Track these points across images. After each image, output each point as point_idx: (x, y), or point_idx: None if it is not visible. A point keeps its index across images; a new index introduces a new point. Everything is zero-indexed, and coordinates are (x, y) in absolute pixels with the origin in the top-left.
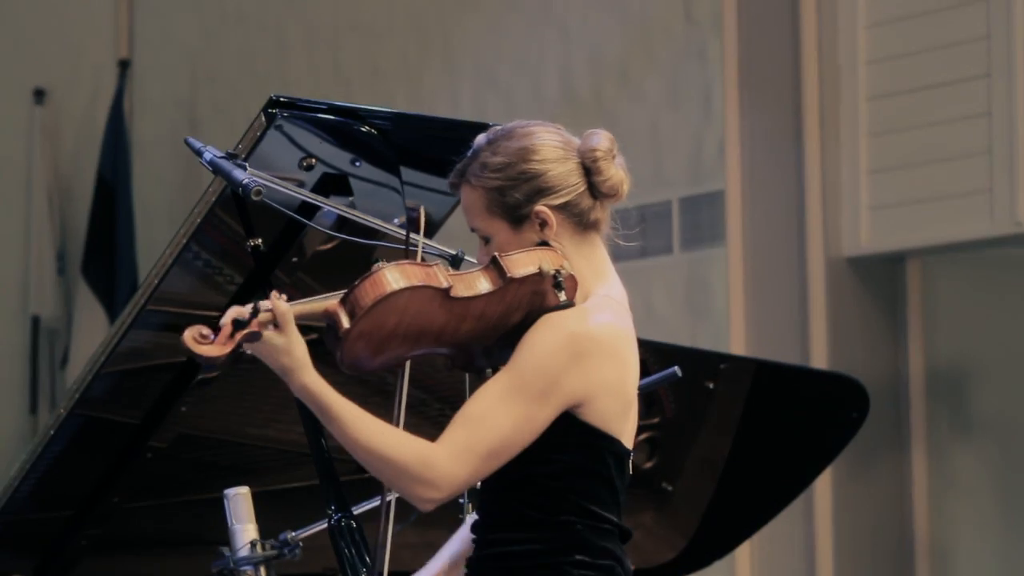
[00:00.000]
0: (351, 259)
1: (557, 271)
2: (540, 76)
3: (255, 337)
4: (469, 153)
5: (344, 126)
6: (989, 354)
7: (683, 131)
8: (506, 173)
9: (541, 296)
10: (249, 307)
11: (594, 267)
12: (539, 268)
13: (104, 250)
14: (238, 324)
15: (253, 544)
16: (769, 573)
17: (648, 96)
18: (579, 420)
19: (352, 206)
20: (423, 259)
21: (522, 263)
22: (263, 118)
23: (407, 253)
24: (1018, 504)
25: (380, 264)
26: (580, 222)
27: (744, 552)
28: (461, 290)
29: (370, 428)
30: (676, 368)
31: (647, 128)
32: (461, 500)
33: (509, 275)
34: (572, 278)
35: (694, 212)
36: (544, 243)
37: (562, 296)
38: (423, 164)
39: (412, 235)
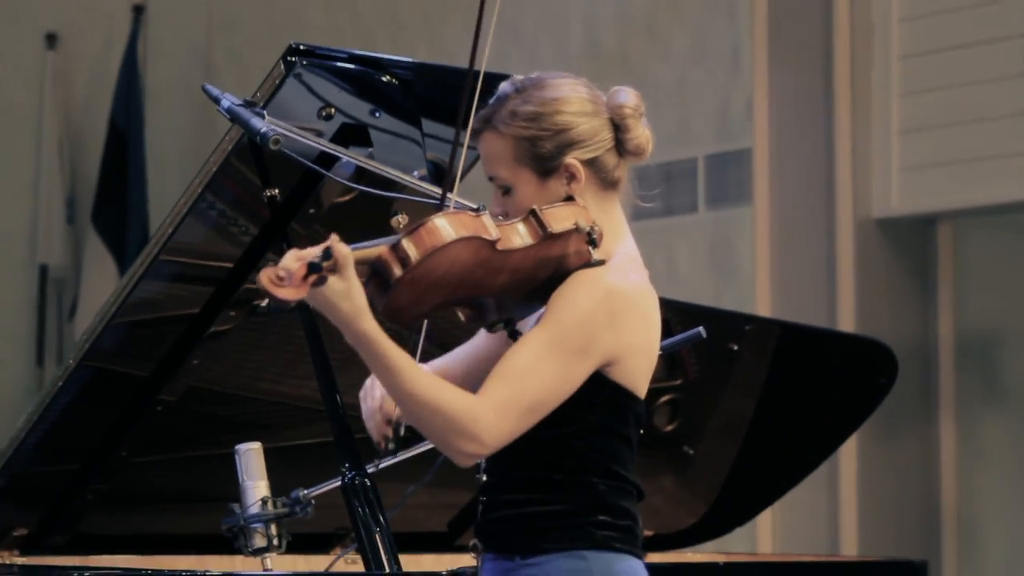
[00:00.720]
0: (369, 212)
1: (591, 228)
2: (564, 29)
3: (324, 281)
4: (493, 100)
5: (364, 76)
6: (1020, 319)
7: (710, 87)
8: (539, 123)
9: (576, 253)
10: (319, 250)
11: (614, 226)
12: (576, 224)
13: (115, 198)
14: (312, 267)
15: (264, 501)
16: (791, 541)
17: (675, 51)
18: (608, 379)
19: (371, 157)
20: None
21: (560, 217)
22: (282, 66)
23: (442, 205)
24: None
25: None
26: (604, 179)
27: (766, 519)
28: (503, 242)
29: (424, 379)
30: (700, 329)
31: (673, 84)
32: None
33: (549, 229)
34: (602, 236)
35: (720, 170)
36: (570, 198)
37: (596, 254)
38: (445, 116)
39: (436, 188)
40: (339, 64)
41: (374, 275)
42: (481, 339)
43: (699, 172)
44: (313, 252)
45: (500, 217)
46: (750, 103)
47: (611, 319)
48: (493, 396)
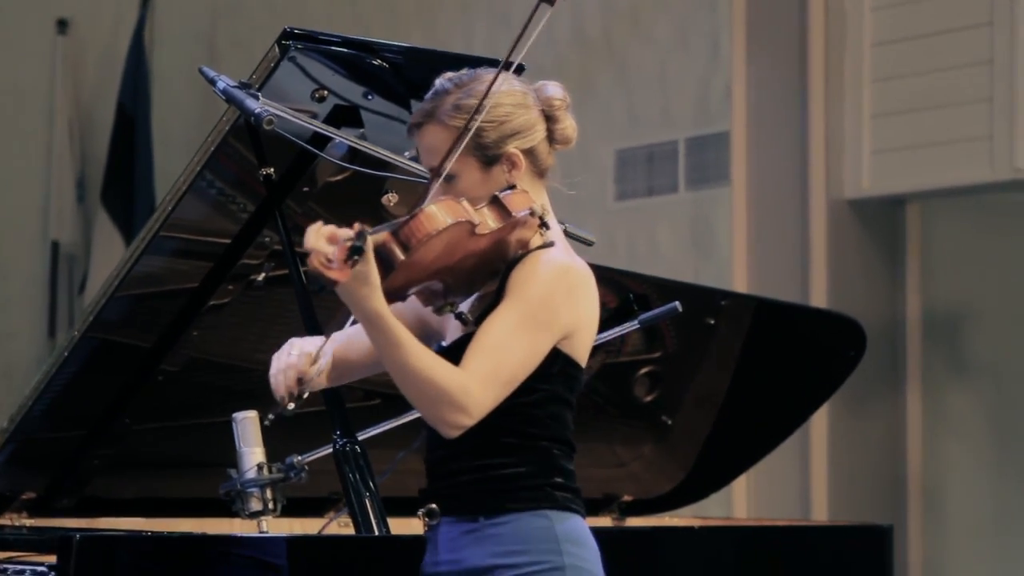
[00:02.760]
0: (362, 190)
1: (542, 212)
2: (552, 17)
3: (359, 263)
4: (431, 95)
5: (357, 59)
6: (985, 297)
7: (691, 73)
8: (493, 114)
9: (529, 236)
10: (354, 233)
11: (546, 209)
12: (531, 209)
13: (123, 178)
14: (355, 250)
15: (260, 467)
16: (765, 507)
17: (657, 39)
18: (562, 352)
19: (363, 138)
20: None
21: (518, 203)
22: (277, 49)
23: (427, 187)
24: (1010, 444)
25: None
26: (539, 167)
27: (741, 485)
28: (482, 227)
29: (424, 355)
30: (677, 303)
31: (656, 70)
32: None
33: (513, 214)
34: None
35: (700, 152)
36: (512, 187)
37: (548, 235)
38: None
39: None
40: (332, 48)
41: (377, 259)
42: (400, 311)
43: (680, 154)
44: (346, 234)
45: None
46: (728, 88)
47: (569, 294)
48: (476, 370)
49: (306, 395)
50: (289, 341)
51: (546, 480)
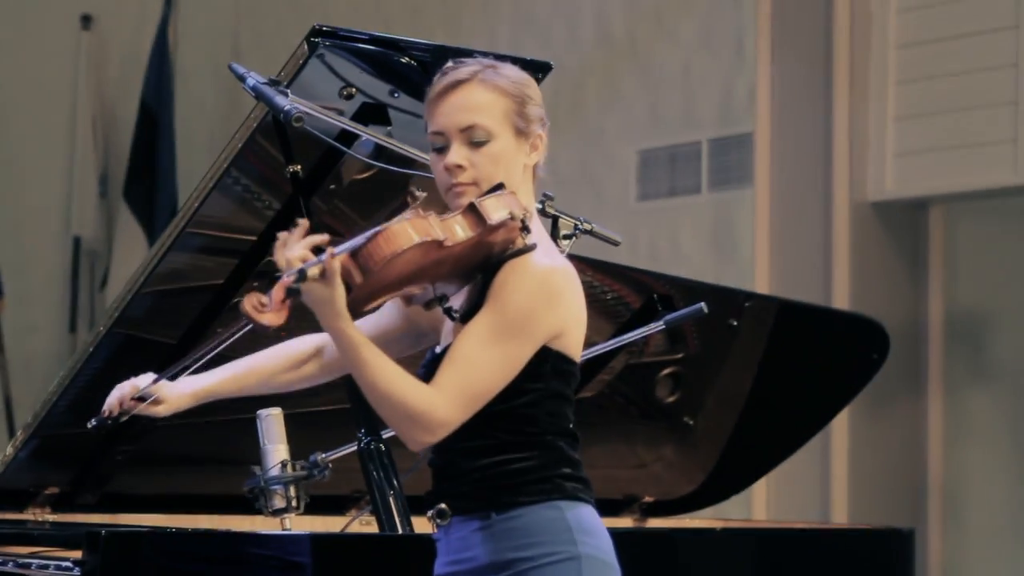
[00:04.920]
0: (387, 188)
1: (524, 215)
2: (576, 17)
3: (299, 294)
4: (458, 61)
5: (384, 57)
6: (1007, 301)
7: (715, 74)
8: (524, 89)
9: (510, 240)
10: (295, 273)
11: (532, 205)
12: (511, 213)
13: (145, 175)
14: (290, 292)
15: (284, 464)
16: (785, 509)
17: (681, 39)
18: (553, 350)
19: (390, 136)
20: None
21: (497, 207)
22: (305, 47)
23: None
24: None
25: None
26: (542, 159)
27: (761, 488)
28: (449, 239)
29: (389, 373)
30: (703, 304)
31: (679, 70)
32: None
33: (489, 221)
34: (531, 219)
35: (723, 154)
36: (500, 186)
37: (529, 239)
38: None
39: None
40: (360, 45)
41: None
42: (385, 315)
43: (703, 155)
44: (290, 278)
45: (454, 182)
46: (752, 90)
47: (550, 300)
48: (445, 386)
49: (123, 419)
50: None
51: (555, 471)
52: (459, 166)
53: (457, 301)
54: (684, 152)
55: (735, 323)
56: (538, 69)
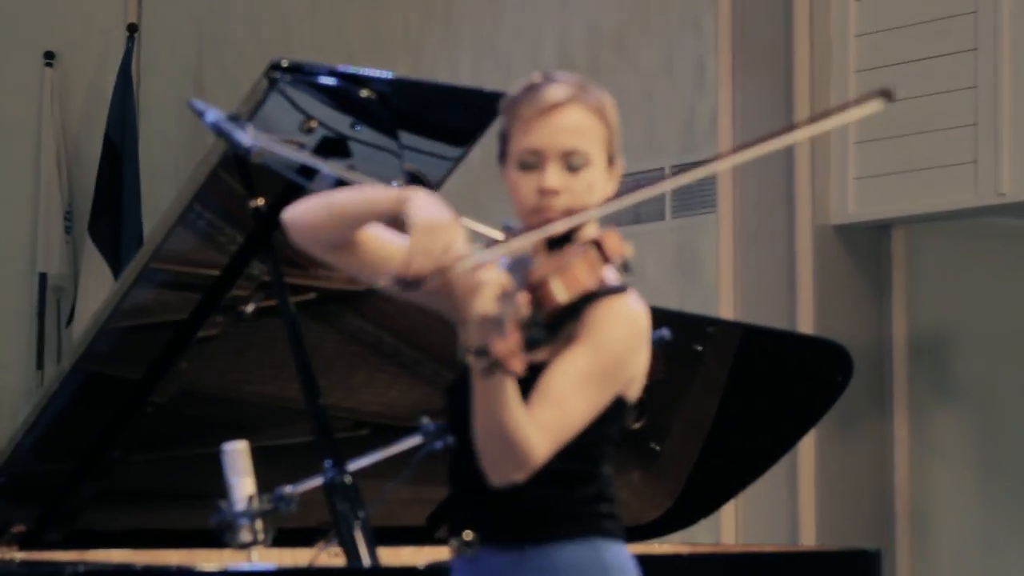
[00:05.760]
0: None
1: (629, 255)
2: (538, 44)
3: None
4: (567, 79)
5: (344, 90)
6: (971, 321)
7: (677, 100)
8: (614, 118)
9: (607, 275)
10: (537, 329)
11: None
12: (624, 258)
13: (111, 210)
14: (533, 342)
15: (250, 498)
16: (753, 532)
17: (643, 65)
18: (619, 396)
19: (352, 168)
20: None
21: (615, 247)
22: (265, 81)
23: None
24: (996, 468)
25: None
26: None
27: (729, 511)
28: (592, 284)
29: (518, 412)
30: (666, 330)
31: (642, 96)
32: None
33: (611, 259)
34: None
35: None
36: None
37: (624, 279)
38: (421, 128)
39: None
40: (320, 79)
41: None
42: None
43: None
44: (519, 310)
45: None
46: (714, 115)
47: (637, 349)
48: (543, 426)
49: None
50: (441, 217)
51: (594, 508)
52: (555, 191)
53: None
54: (647, 178)
55: (700, 348)
56: (495, 101)
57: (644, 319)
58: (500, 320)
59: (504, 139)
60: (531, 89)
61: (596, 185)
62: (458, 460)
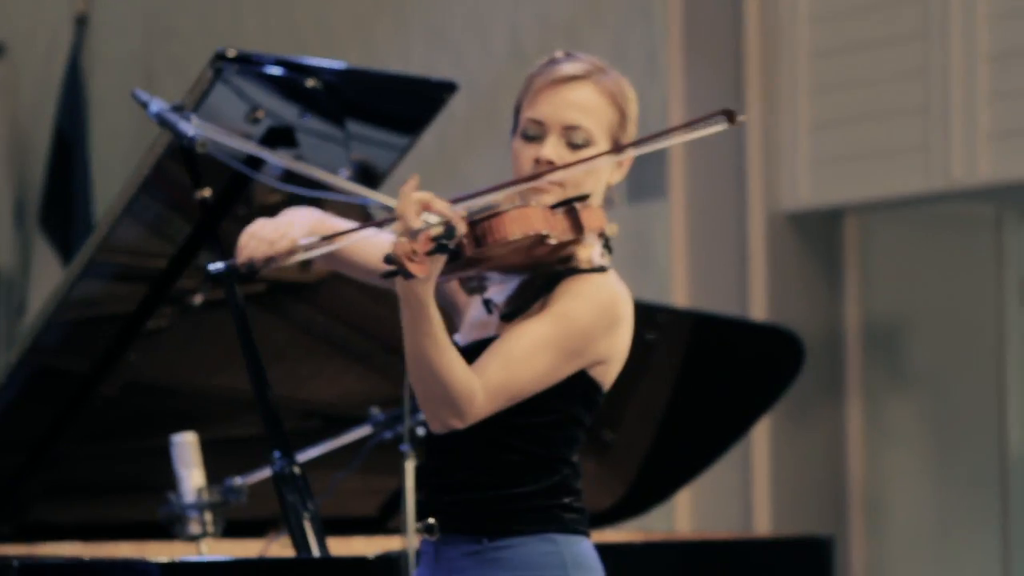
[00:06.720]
0: None
1: (611, 234)
2: (489, 33)
3: (446, 251)
4: (585, 61)
5: (291, 80)
6: (924, 307)
7: None
8: (629, 106)
9: (589, 253)
10: (442, 227)
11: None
12: (602, 229)
13: (61, 203)
14: (440, 247)
15: (199, 490)
16: (707, 519)
17: (594, 54)
18: (589, 376)
19: (299, 158)
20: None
21: (593, 218)
22: (211, 71)
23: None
24: (950, 454)
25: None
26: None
27: (683, 499)
28: (553, 237)
29: (447, 353)
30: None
31: None
32: (403, 447)
33: (584, 227)
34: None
35: (638, 167)
36: (585, 196)
37: (606, 260)
38: (369, 117)
39: (360, 187)
40: (266, 69)
41: (438, 242)
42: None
43: None
44: (434, 227)
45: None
46: (666, 102)
47: (610, 327)
48: (488, 377)
49: (260, 273)
50: (292, 212)
51: (555, 501)
52: (551, 162)
53: (494, 294)
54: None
55: (652, 337)
56: (443, 90)
57: (622, 302)
58: (414, 230)
59: (517, 111)
60: (549, 63)
61: (595, 167)
62: (428, 449)
